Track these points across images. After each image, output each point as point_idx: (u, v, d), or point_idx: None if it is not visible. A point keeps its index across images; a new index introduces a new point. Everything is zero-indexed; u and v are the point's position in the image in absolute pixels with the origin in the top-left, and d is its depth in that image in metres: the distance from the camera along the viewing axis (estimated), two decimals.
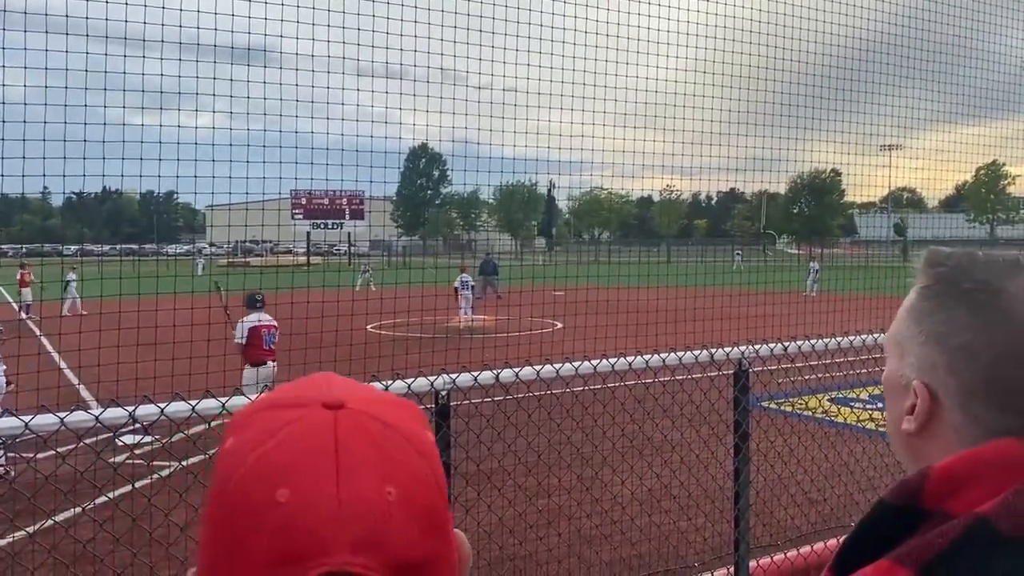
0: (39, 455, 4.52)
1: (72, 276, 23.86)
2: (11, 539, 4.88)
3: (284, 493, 0.63)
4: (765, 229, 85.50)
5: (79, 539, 4.16)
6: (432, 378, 3.03)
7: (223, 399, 2.78)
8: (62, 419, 2.57)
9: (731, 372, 4.19)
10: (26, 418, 2.55)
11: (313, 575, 0.61)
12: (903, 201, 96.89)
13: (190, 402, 2.75)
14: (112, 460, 7.18)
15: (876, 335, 4.49)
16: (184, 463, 6.38)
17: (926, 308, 0.90)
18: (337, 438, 0.66)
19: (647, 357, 3.67)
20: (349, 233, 65.70)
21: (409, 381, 3.01)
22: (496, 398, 5.05)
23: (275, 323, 10.15)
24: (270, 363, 10.00)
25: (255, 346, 9.91)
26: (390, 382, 2.98)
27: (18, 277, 24.73)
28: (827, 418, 9.17)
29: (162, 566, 4.64)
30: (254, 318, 9.98)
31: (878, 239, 78.75)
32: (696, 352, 3.83)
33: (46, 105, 6.36)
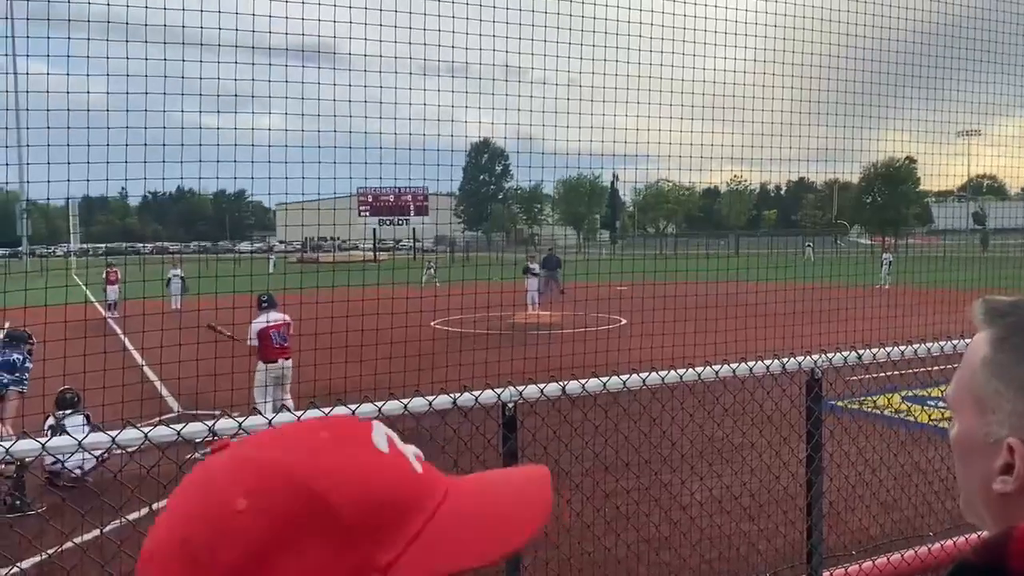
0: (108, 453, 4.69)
1: (175, 272, 25.45)
2: (81, 537, 5.09)
3: None
4: (837, 219, 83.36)
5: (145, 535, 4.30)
6: (499, 390, 3.05)
7: (299, 412, 2.86)
8: (146, 435, 2.68)
9: (800, 371, 4.10)
10: (113, 433, 2.66)
11: None
12: (983, 189, 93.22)
13: (267, 416, 2.84)
14: (179, 459, 7.42)
15: (955, 341, 4.34)
16: None
17: (1009, 360, 0.86)
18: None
19: (717, 368, 3.62)
20: (414, 229, 66.41)
21: (476, 394, 3.04)
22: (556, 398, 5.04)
23: (287, 320, 10.31)
24: (281, 361, 10.15)
25: (266, 346, 10.10)
26: (458, 394, 3.02)
27: (104, 276, 25.72)
28: (900, 417, 8.90)
29: None
30: (262, 319, 10.14)
31: (956, 229, 75.93)
32: (768, 362, 3.75)
33: (127, 111, 6.61)
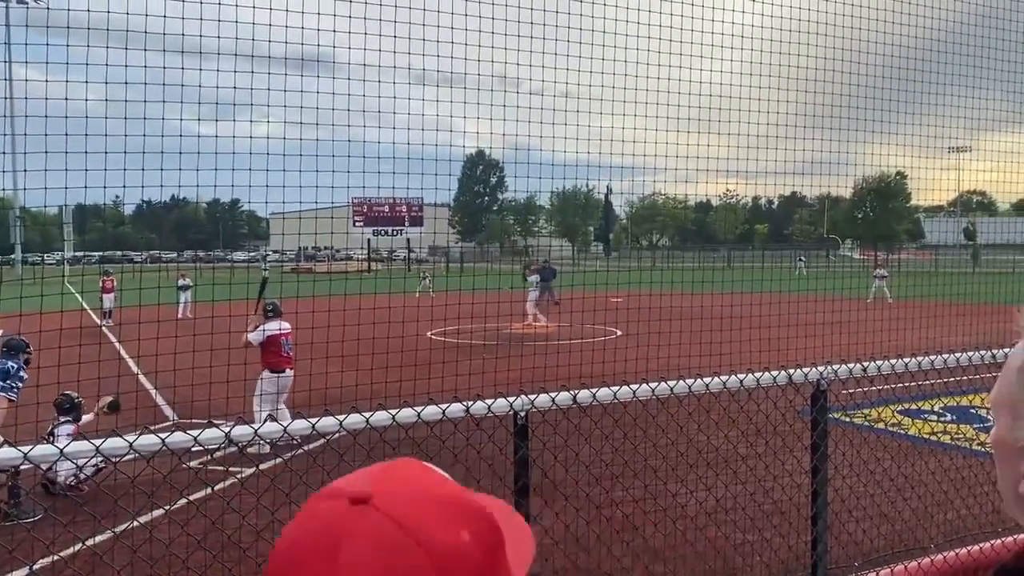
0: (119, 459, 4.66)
1: (183, 282, 27.25)
2: (95, 540, 5.06)
3: None
4: (828, 234, 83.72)
5: (159, 539, 4.29)
6: (511, 399, 3.05)
7: (313, 420, 2.85)
8: (163, 440, 2.66)
9: (802, 382, 4.12)
10: (130, 438, 2.65)
11: None
12: (972, 204, 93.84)
13: (281, 423, 2.83)
14: (189, 465, 7.39)
15: (958, 354, 4.36)
16: (260, 467, 6.52)
17: None
18: (340, 538, 0.65)
19: (725, 379, 3.64)
20: (408, 239, 66.45)
21: (489, 402, 3.04)
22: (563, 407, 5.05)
23: (290, 329, 10.29)
24: (288, 370, 10.11)
25: (274, 352, 10.05)
26: (471, 403, 3.02)
27: (100, 284, 25.76)
28: (898, 431, 8.93)
29: (238, 569, 4.75)
30: (273, 325, 10.10)
31: (946, 244, 76.41)
32: (775, 373, 3.77)
33: (125, 119, 6.60)
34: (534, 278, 23.97)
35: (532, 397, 3.12)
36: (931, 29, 10.96)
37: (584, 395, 3.26)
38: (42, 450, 2.86)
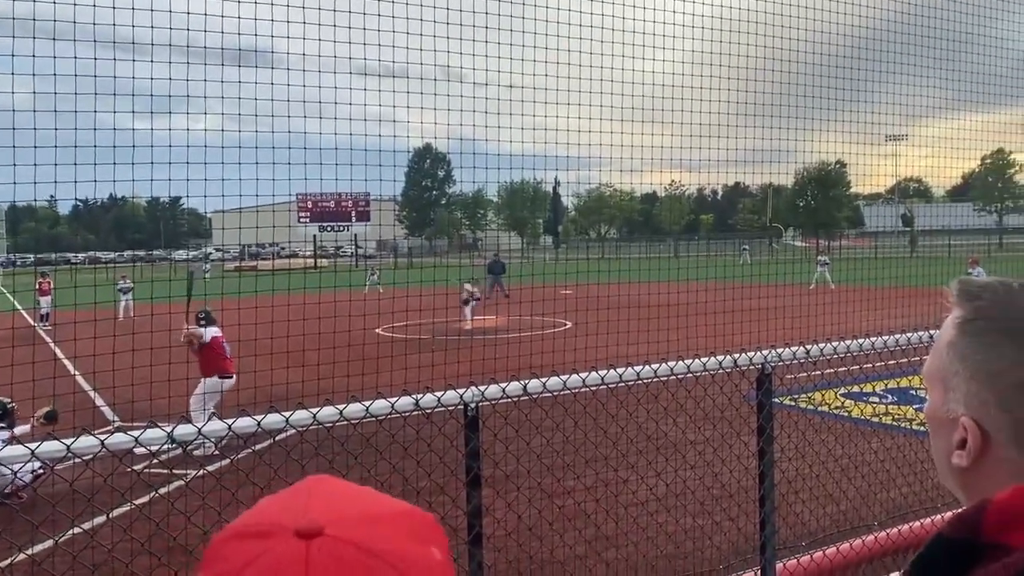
0: (58, 465, 4.51)
1: (124, 284, 26.78)
2: (32, 549, 4.90)
3: None
4: (771, 223, 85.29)
5: (102, 544, 4.16)
6: (461, 391, 3.02)
7: (259, 417, 2.79)
8: (103, 441, 2.57)
9: (748, 367, 4.16)
10: (68, 441, 2.55)
11: None
12: (910, 191, 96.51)
13: (226, 421, 2.75)
14: (132, 468, 7.19)
15: (897, 336, 4.46)
16: (207, 469, 6.38)
17: (969, 344, 0.90)
18: None
19: (672, 364, 3.66)
20: (355, 235, 65.83)
21: (439, 394, 3.00)
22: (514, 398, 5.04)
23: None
24: (232, 376, 10.00)
25: (219, 356, 9.93)
26: (420, 395, 2.97)
27: (36, 286, 25.07)
28: (842, 413, 9.13)
29: (184, 572, 4.64)
30: (214, 329, 10.00)
31: (885, 230, 78.48)
32: (720, 358, 3.81)
33: (55, 111, 6.37)
34: (467, 285, 23.56)
35: (482, 388, 3.09)
36: (867, 18, 11.21)
37: (534, 385, 3.25)
38: None
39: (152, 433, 2.75)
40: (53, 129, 6.27)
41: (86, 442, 2.57)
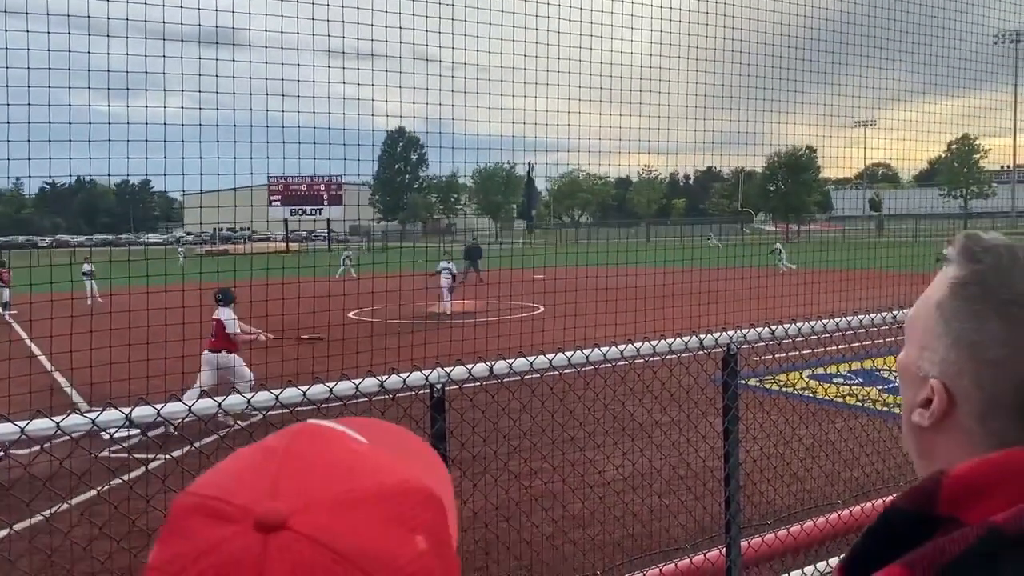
0: (15, 451, 4.43)
1: (87, 267, 25.95)
2: None
3: None
4: (743, 207, 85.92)
5: (59, 528, 4.12)
6: (427, 372, 3.00)
7: (219, 399, 2.76)
8: (58, 423, 2.51)
9: (716, 350, 4.19)
10: (21, 423, 2.49)
11: None
12: (878, 176, 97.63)
13: (186, 403, 2.71)
14: (94, 454, 7.10)
15: (861, 316, 4.51)
16: (170, 455, 6.32)
17: (957, 309, 0.87)
18: None
19: (638, 345, 3.66)
20: (328, 219, 65.30)
21: (404, 376, 2.98)
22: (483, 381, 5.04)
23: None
24: (211, 352, 10.19)
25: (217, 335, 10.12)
26: (385, 377, 2.95)
27: None
28: (808, 395, 9.24)
29: (144, 554, 4.59)
30: (224, 311, 10.16)
31: (854, 215, 79.40)
32: (686, 339, 3.82)
33: (7, 87, 6.20)
34: (443, 263, 23.41)
35: (448, 369, 3.08)
36: (836, 3, 11.29)
37: (500, 366, 3.24)
38: None
39: (109, 415, 2.70)
40: (25, 106, 6.12)
41: (40, 424, 2.52)
